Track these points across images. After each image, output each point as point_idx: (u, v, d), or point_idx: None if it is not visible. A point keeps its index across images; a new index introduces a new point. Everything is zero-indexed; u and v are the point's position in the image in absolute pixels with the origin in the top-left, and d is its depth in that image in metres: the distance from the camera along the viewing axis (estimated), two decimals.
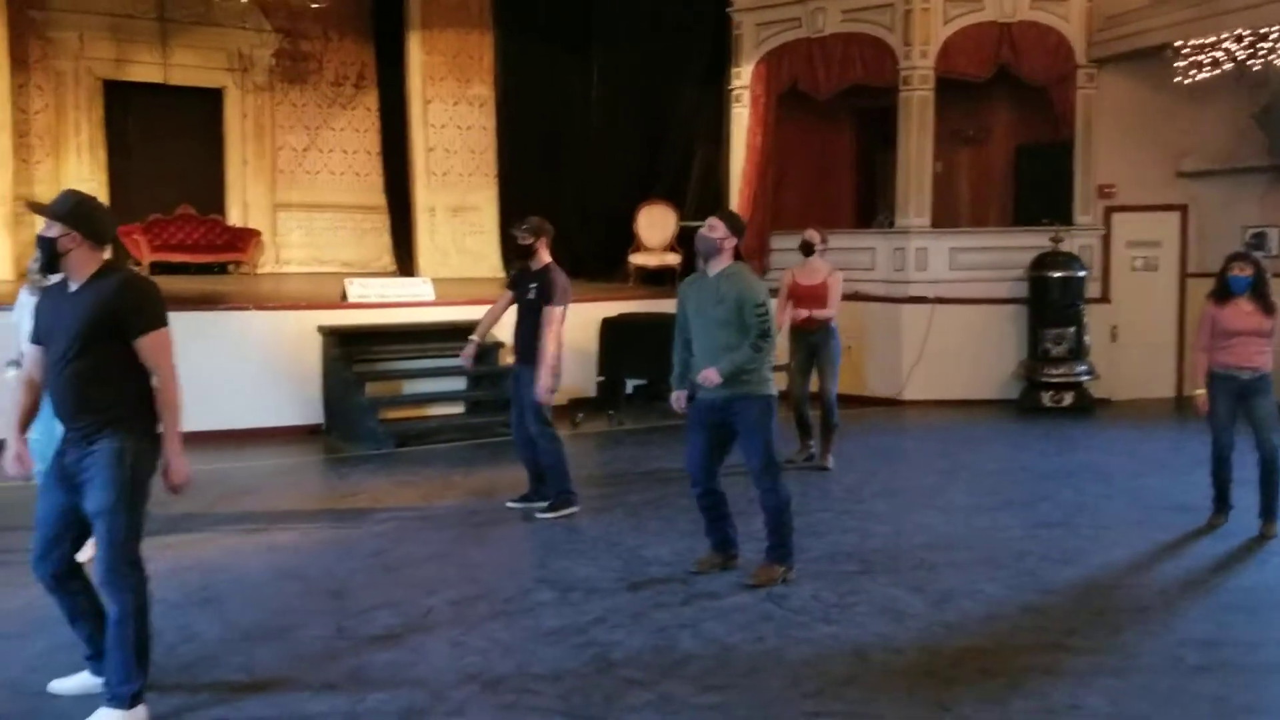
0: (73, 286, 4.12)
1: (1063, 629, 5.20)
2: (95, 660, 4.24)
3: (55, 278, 4.26)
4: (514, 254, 7.48)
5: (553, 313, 7.16)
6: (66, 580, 4.19)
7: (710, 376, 5.70)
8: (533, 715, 4.17)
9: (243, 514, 7.40)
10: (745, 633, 5.14)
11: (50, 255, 4.11)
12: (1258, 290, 6.87)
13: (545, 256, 7.32)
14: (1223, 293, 6.94)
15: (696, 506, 6.12)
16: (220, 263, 16.53)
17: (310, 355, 10.26)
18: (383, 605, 5.45)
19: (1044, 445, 10.11)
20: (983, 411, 11.83)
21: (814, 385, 9.01)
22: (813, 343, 8.94)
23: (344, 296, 10.82)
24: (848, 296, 12.55)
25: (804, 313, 8.87)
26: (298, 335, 10.26)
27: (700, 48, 14.69)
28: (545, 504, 7.34)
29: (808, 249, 9.09)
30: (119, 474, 4.03)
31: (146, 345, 4.11)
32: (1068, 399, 11.74)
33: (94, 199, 4.40)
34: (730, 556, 6.16)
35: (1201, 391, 6.99)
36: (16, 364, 5.67)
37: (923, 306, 12.37)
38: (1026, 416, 11.64)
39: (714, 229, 5.88)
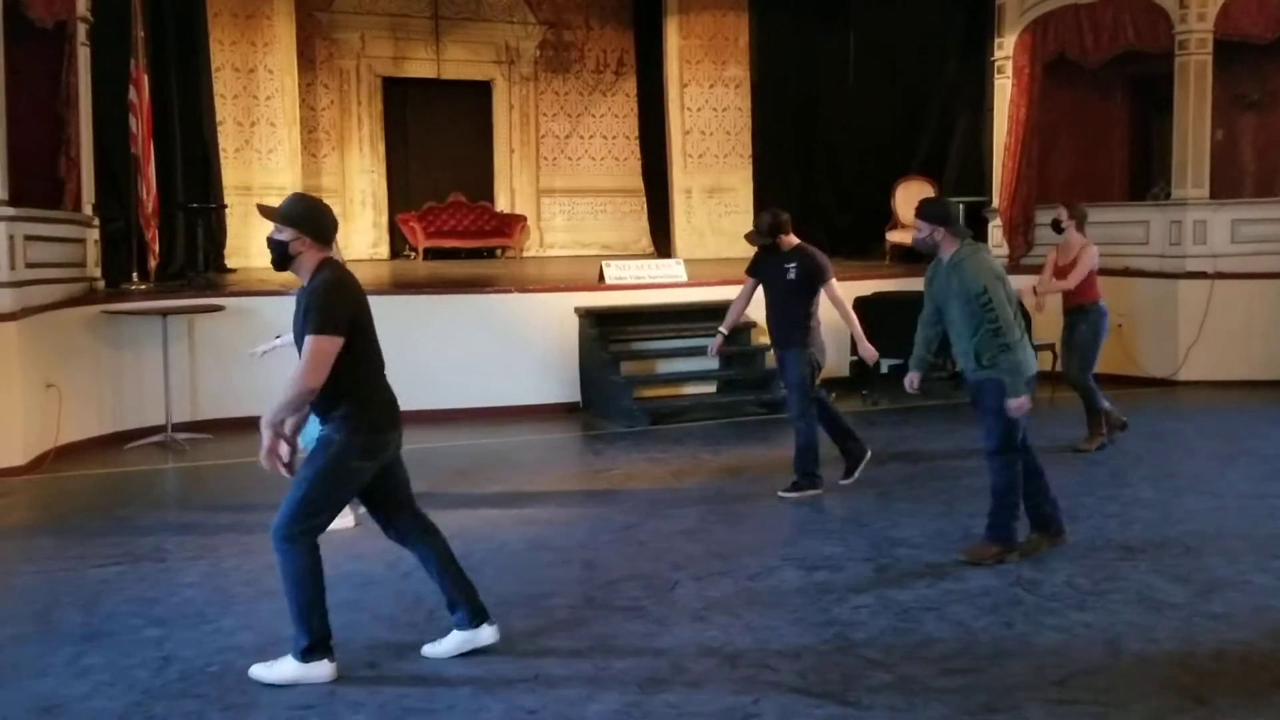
0: (305, 284, 4.38)
1: None
2: (452, 613, 4.67)
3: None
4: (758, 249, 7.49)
5: (834, 287, 7.25)
6: (408, 540, 4.69)
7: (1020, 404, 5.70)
8: (769, 690, 4.26)
9: (503, 487, 7.82)
10: (992, 617, 5.06)
11: (281, 257, 4.39)
12: None
13: (792, 239, 7.36)
14: None
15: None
16: (489, 247, 17.39)
17: (569, 335, 10.66)
18: (630, 578, 5.66)
19: None
20: (1269, 393, 11.04)
21: None
22: (1071, 322, 8.71)
23: (601, 278, 11.18)
24: (1117, 272, 12.11)
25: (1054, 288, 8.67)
26: (557, 316, 10.68)
27: (960, 19, 14.33)
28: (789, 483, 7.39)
29: (1056, 227, 8.87)
30: (318, 458, 4.35)
31: (306, 345, 4.22)
32: None
33: (318, 201, 4.65)
34: (1055, 535, 6.03)
35: None
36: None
37: (1201, 282, 11.65)
38: None
39: (919, 230, 5.87)
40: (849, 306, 7.49)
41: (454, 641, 4.65)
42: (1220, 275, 11.61)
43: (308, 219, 4.38)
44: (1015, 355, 5.69)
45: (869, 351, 7.48)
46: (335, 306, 4.27)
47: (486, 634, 4.64)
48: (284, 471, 4.35)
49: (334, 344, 4.22)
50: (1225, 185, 12.33)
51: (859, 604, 5.25)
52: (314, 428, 4.64)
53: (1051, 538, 6.03)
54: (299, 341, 4.31)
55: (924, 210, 5.92)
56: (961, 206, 13.59)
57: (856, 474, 7.56)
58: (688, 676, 4.39)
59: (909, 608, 5.19)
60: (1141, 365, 11.82)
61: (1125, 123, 14.03)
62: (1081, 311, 8.67)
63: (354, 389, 4.34)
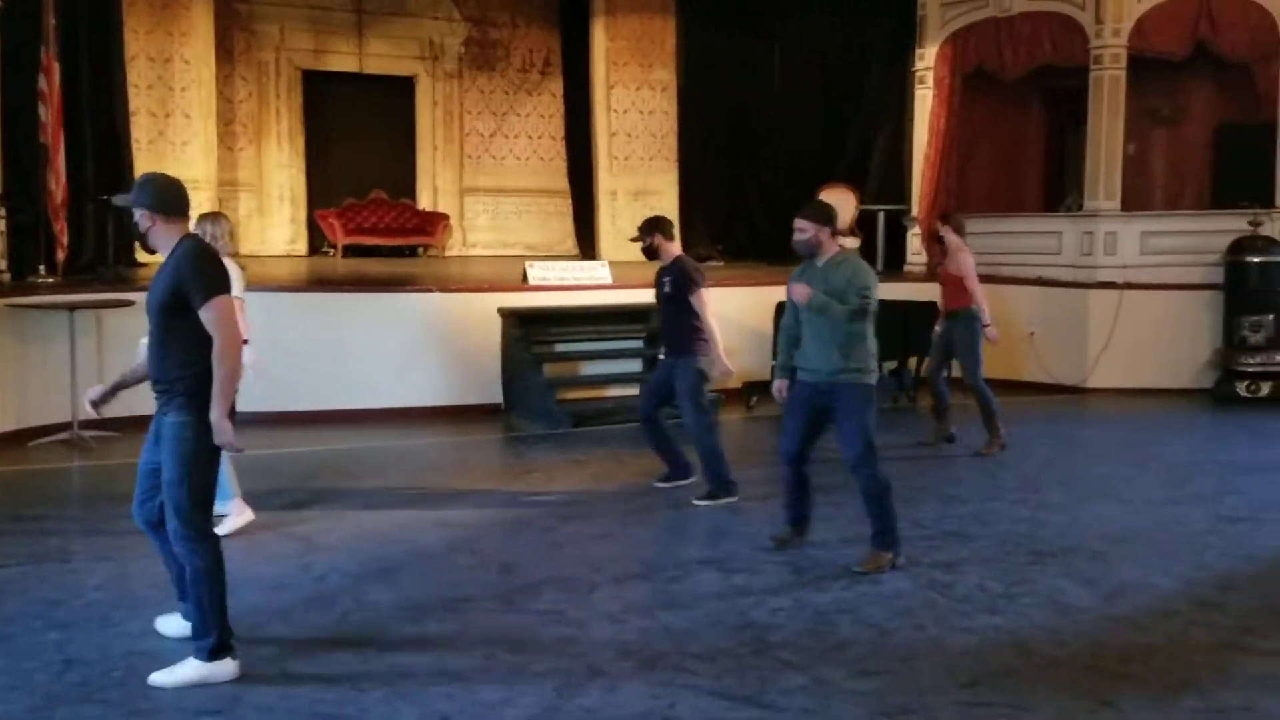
0: (166, 258, 4.45)
1: (1239, 628, 5.01)
2: (183, 602, 4.66)
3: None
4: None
5: (701, 295, 7.30)
6: (159, 526, 4.55)
7: (801, 290, 5.87)
8: (686, 693, 4.27)
9: (421, 489, 7.74)
10: (905, 619, 5.13)
11: (140, 237, 4.56)
12: None
13: (672, 249, 7.50)
14: None
15: (783, 483, 6.23)
16: (410, 246, 17.23)
17: (491, 336, 10.59)
18: (549, 580, 5.64)
19: (1238, 437, 9.70)
20: (1174, 401, 11.36)
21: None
22: (947, 326, 9.04)
23: (524, 279, 11.14)
24: (1030, 281, 12.37)
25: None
26: (480, 316, 10.61)
27: (884, 29, 14.53)
28: (702, 491, 7.37)
29: (937, 238, 9.49)
30: (182, 446, 4.32)
31: (210, 314, 4.26)
32: (1265, 389, 11.16)
33: (162, 175, 4.71)
34: (803, 533, 6.28)
35: None
36: None
37: (1111, 292, 11.94)
38: (1220, 406, 11.13)
39: (803, 230, 6.01)
40: (713, 323, 7.39)
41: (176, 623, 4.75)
42: (1130, 285, 11.91)
43: (150, 195, 4.46)
44: (869, 362, 5.94)
45: (724, 368, 7.49)
46: (209, 268, 4.35)
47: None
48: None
49: (230, 300, 4.34)
50: (1136, 198, 12.66)
51: (776, 606, 5.29)
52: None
53: (803, 536, 6.27)
54: (165, 315, 4.33)
55: (810, 212, 6.08)
56: (882, 214, 13.83)
57: (668, 485, 7.60)
58: (605, 679, 4.39)
59: (824, 610, 5.24)
60: (1052, 373, 12.07)
61: (1041, 135, 14.35)
62: (955, 316, 8.95)
63: (197, 362, 4.32)
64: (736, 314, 11.69)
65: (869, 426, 5.84)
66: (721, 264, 15.57)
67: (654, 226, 7.55)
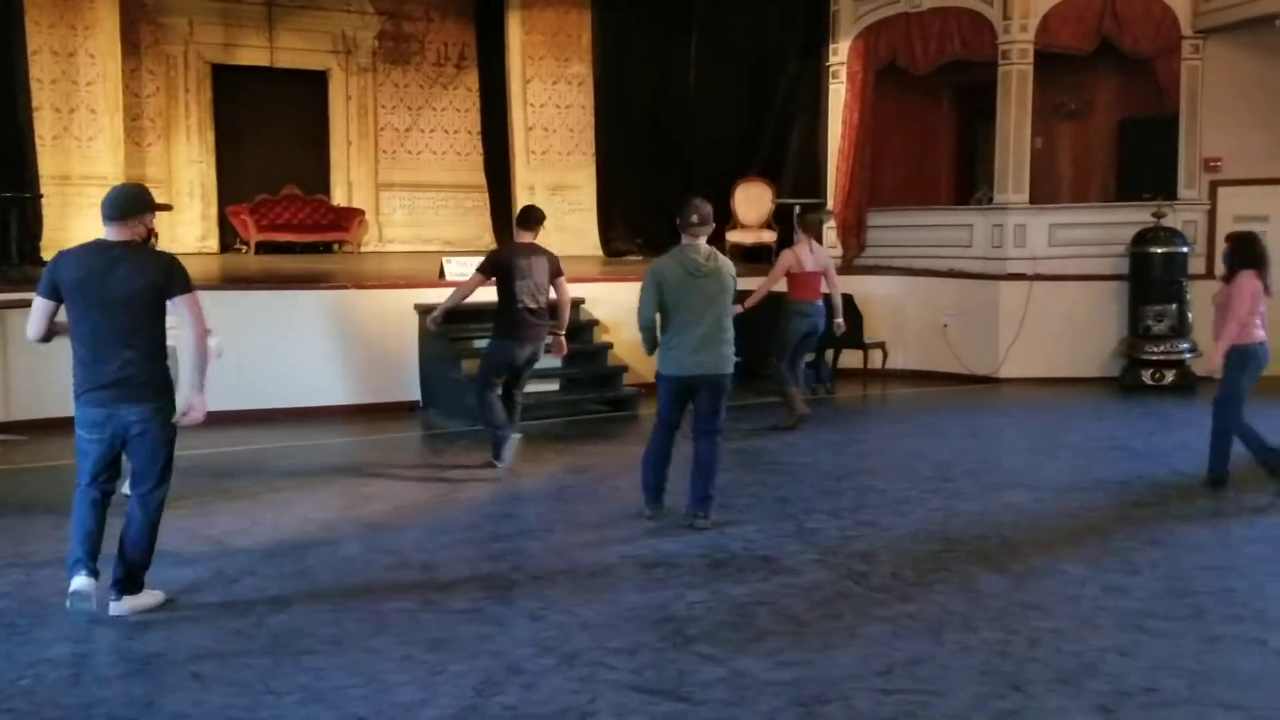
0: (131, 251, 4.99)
1: (1143, 610, 5.16)
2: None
3: None
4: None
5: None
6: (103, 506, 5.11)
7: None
8: (605, 689, 4.28)
9: (338, 489, 7.66)
10: (822, 610, 5.19)
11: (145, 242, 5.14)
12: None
13: (523, 237, 8.05)
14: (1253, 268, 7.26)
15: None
16: (325, 242, 17.00)
17: (408, 333, 10.51)
18: (469, 579, 5.62)
19: (1143, 424, 9.96)
20: (1082, 389, 11.65)
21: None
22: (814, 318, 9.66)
23: (441, 275, 11.04)
24: (942, 274, 12.61)
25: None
26: (396, 313, 10.52)
27: (798, 24, 14.64)
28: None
29: (796, 238, 9.90)
30: (165, 427, 5.05)
31: (188, 304, 4.97)
32: (1169, 377, 11.50)
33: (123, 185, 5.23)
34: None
35: (1219, 363, 7.34)
36: None
37: (1021, 284, 12.20)
38: (1127, 394, 11.44)
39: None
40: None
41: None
42: (1039, 277, 12.17)
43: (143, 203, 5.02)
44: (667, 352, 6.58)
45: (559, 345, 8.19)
46: (180, 264, 5.02)
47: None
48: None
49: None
50: (1044, 191, 12.94)
51: (695, 599, 5.32)
52: None
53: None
54: (141, 310, 4.82)
55: (712, 213, 6.59)
56: (798, 208, 13.95)
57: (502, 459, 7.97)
58: (524, 677, 4.38)
59: (743, 602, 5.28)
60: (965, 363, 12.30)
61: (952, 129, 14.59)
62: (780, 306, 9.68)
63: (162, 355, 4.95)
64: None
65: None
66: (641, 257, 15.60)
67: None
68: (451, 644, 4.73)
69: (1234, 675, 4.44)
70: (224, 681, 4.36)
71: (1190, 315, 11.60)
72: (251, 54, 16.69)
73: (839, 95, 13.81)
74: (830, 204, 13.92)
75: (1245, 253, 7.30)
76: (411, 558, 6.00)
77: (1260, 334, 7.21)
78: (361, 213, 17.30)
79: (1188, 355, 11.55)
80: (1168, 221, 11.70)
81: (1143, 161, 12.56)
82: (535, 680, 4.35)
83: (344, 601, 5.24)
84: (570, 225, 16.62)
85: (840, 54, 13.77)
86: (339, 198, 17.39)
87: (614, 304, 11.59)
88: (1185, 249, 11.63)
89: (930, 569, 5.80)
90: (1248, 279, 7.19)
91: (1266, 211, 12.10)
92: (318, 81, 17.31)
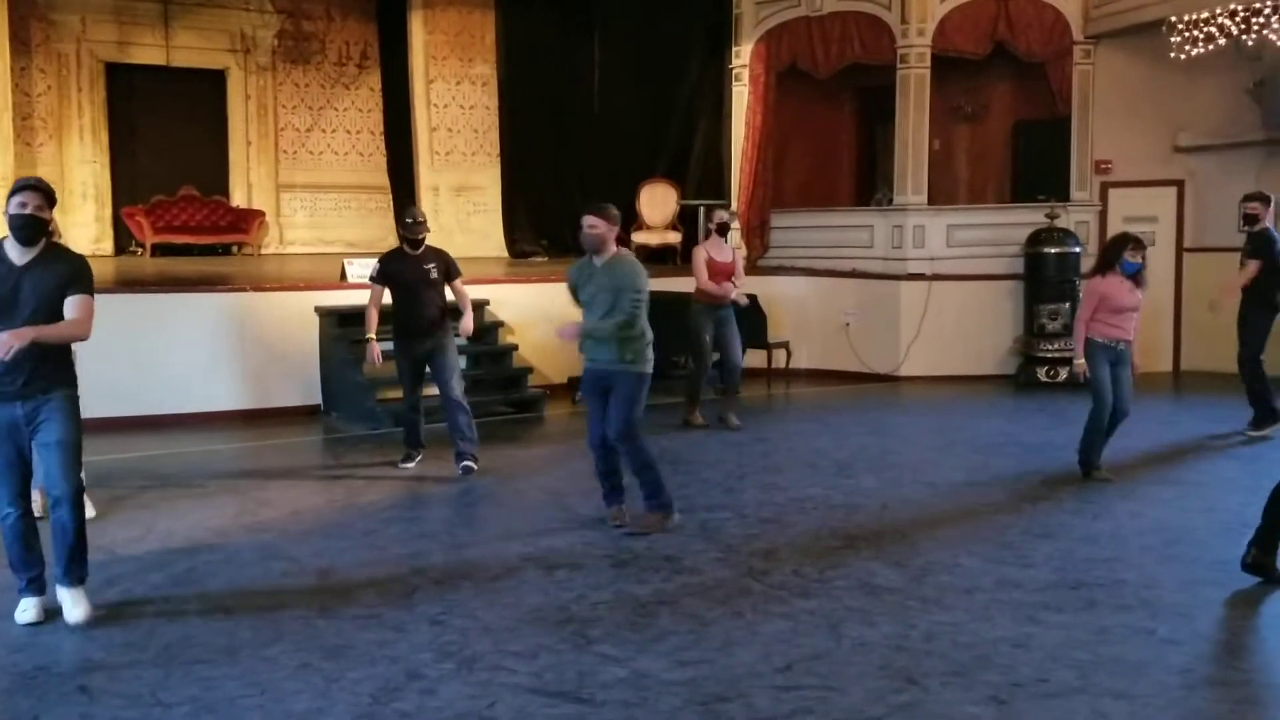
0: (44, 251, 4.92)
1: (1036, 603, 5.26)
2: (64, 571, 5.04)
3: None
4: (407, 244, 8.11)
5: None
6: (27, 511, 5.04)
7: (569, 333, 6.47)
8: (504, 692, 4.24)
9: (235, 495, 7.49)
10: (723, 608, 5.21)
11: (40, 231, 4.88)
12: (1142, 273, 7.55)
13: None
14: (1108, 269, 7.48)
15: (596, 468, 6.63)
16: (224, 244, 16.67)
17: (309, 336, 10.35)
18: (367, 585, 5.53)
19: (1037, 419, 10.19)
20: (980, 387, 11.89)
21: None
22: (720, 315, 9.56)
23: (343, 276, 10.89)
24: (845, 274, 12.78)
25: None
26: (297, 316, 10.36)
27: (701, 26, 14.72)
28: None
29: (723, 229, 9.81)
30: (73, 421, 4.97)
31: (83, 305, 4.86)
32: (1063, 374, 11.77)
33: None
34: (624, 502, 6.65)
35: (1083, 361, 7.51)
36: None
37: (920, 284, 12.41)
38: (1022, 391, 11.71)
39: (594, 227, 6.35)
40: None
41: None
42: (937, 277, 12.40)
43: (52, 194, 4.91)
44: (647, 351, 6.39)
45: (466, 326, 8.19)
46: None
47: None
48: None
49: None
50: (942, 192, 13.19)
51: (597, 600, 5.31)
52: None
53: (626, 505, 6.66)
54: (54, 308, 4.76)
55: (602, 211, 6.41)
56: (703, 209, 14.03)
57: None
58: (422, 683, 4.32)
59: (646, 602, 5.29)
60: (867, 362, 12.47)
61: (853, 131, 14.80)
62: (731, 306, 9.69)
63: (69, 350, 5.05)
64: (563, 309, 11.67)
65: (634, 408, 6.33)
66: (545, 259, 15.56)
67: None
68: (349, 651, 4.65)
69: (1123, 664, 4.55)
70: (112, 694, 4.23)
71: None
72: (147, 52, 16.31)
73: (742, 98, 13.93)
74: (734, 205, 14.02)
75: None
76: (309, 564, 5.90)
77: (1109, 331, 7.42)
78: (261, 214, 16.99)
79: None
80: (1060, 222, 12.00)
81: (1036, 164, 12.88)
82: (434, 686, 4.30)
83: (238, 610, 5.13)
84: (475, 227, 16.53)
85: (743, 57, 13.89)
86: (238, 199, 17.05)
87: (519, 306, 11.55)
88: (1077, 249, 11.94)
89: (830, 565, 5.86)
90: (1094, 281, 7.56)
91: (1155, 212, 12.51)
92: (216, 81, 16.97)
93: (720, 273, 9.46)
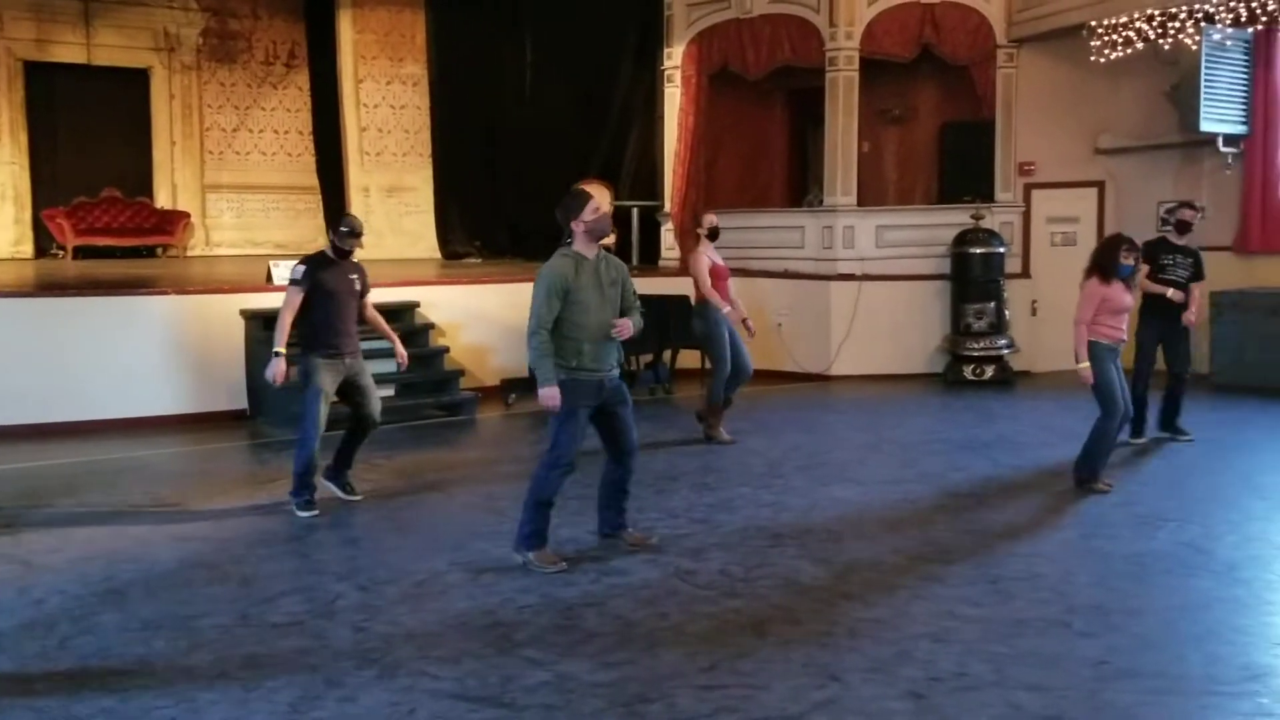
0: None
1: (957, 597, 5.33)
2: None
3: None
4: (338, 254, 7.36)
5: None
6: None
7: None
8: (426, 698, 4.22)
9: (157, 503, 7.38)
10: (649, 609, 5.22)
11: None
12: (1134, 275, 7.58)
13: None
14: (1110, 274, 7.36)
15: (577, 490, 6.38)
16: (148, 246, 16.40)
17: (234, 340, 10.21)
18: (291, 592, 5.47)
19: (964, 417, 10.32)
20: (908, 385, 12.02)
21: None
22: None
23: (269, 279, 10.75)
24: (777, 274, 12.85)
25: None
26: (221, 319, 10.22)
27: (633, 27, 14.74)
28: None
29: (714, 234, 9.40)
30: None
31: None
32: (989, 372, 11.96)
33: None
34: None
35: (1087, 365, 7.32)
36: None
37: (850, 284, 12.52)
38: (950, 390, 11.85)
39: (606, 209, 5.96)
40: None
41: None
42: (867, 277, 12.52)
43: None
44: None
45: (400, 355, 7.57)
46: None
47: None
48: None
49: None
50: (871, 193, 13.32)
51: (524, 604, 5.29)
52: None
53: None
54: None
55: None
56: (636, 210, 14.06)
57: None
58: (343, 691, 4.28)
59: (572, 605, 5.28)
60: (799, 361, 12.57)
61: (784, 133, 14.90)
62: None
63: None
64: (495, 311, 11.71)
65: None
66: (479, 260, 15.51)
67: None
68: (268, 660, 4.59)
69: (1038, 657, 4.62)
70: (23, 708, 4.14)
71: (1008, 313, 12.10)
72: (68, 51, 16.01)
73: (674, 99, 13.96)
74: (667, 206, 14.06)
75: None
76: (230, 571, 5.82)
77: (1112, 333, 7.38)
78: (187, 215, 16.74)
79: (1006, 351, 12.04)
80: (986, 223, 12.17)
81: (963, 165, 13.05)
82: (354, 693, 4.26)
83: (156, 620, 5.05)
84: (407, 228, 16.44)
85: (675, 58, 13.92)
86: (163, 200, 16.78)
87: (452, 308, 11.50)
88: (1002, 249, 12.12)
89: (757, 564, 5.89)
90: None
91: (1077, 213, 12.74)
92: (139, 80, 16.70)
93: (722, 277, 9.17)
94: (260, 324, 10.16)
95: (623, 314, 5.96)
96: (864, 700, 4.22)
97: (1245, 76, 11.37)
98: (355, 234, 7.29)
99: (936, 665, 4.53)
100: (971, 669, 4.49)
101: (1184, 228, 8.92)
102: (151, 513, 7.12)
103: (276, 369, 6.96)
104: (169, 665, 4.54)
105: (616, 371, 6.02)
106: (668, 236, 14.09)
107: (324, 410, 7.08)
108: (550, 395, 5.74)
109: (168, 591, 5.51)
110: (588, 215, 5.85)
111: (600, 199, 5.92)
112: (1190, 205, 9.21)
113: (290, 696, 4.23)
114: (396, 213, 16.66)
